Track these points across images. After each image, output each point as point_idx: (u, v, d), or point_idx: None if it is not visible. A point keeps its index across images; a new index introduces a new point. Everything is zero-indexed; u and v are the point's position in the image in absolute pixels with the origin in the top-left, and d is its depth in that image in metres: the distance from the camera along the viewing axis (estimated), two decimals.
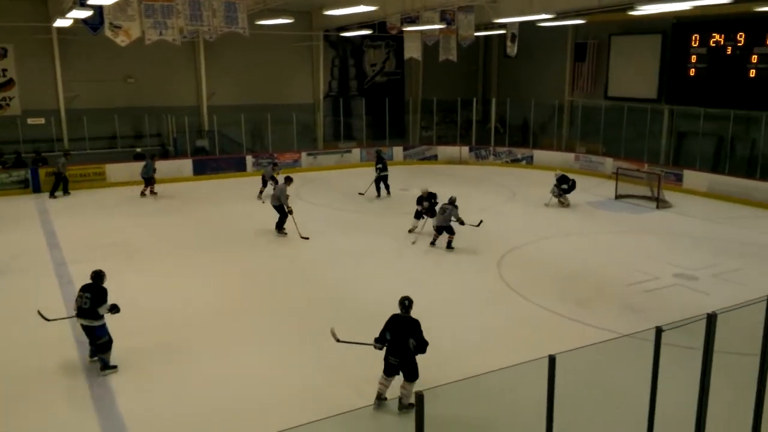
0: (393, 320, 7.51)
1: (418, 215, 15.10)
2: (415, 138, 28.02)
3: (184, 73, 23.60)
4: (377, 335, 7.50)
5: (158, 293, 11.21)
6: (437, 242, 14.18)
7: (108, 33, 15.10)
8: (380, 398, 7.31)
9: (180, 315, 10.27)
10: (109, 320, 8.32)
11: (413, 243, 14.44)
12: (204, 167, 22.28)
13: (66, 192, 19.50)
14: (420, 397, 4.19)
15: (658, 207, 18.01)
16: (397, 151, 25.80)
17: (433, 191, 15.12)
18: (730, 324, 5.84)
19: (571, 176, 18.42)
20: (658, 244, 14.65)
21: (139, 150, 21.94)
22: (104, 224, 16.09)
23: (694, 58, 21.06)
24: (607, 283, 11.81)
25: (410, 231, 15.11)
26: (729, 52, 20.03)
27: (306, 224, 16.32)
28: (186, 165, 22.03)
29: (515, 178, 22.07)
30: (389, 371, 7.33)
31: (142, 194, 19.27)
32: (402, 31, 21.12)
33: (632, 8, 14.90)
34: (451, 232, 13.97)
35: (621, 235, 15.43)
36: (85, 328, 8.26)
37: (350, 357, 8.05)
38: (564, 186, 17.93)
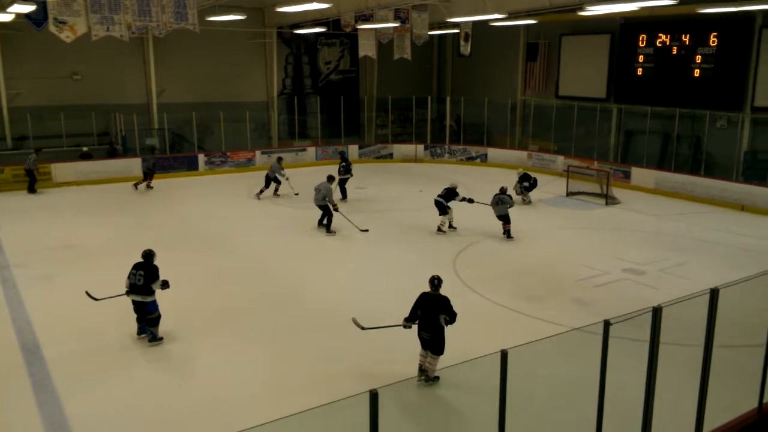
0: (423, 298, 7.98)
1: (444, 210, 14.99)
2: (371, 136, 28.01)
3: (132, 70, 23.01)
4: (407, 315, 7.97)
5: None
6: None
7: (52, 29, 14.62)
8: (421, 370, 7.92)
9: (129, 316, 9.99)
10: (54, 325, 8.06)
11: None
12: (154, 166, 21.75)
13: (32, 190, 19.04)
14: (374, 395, 4.17)
15: (607, 204, 18.44)
16: (353, 150, 25.72)
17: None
18: (676, 316, 6.01)
19: (523, 173, 18.71)
20: (607, 239, 15.00)
21: (85, 149, 21.34)
22: (51, 226, 15.58)
23: (641, 58, 21.64)
24: (558, 279, 12.04)
25: (440, 230, 15.04)
26: (674, 52, 20.65)
27: (262, 223, 16.17)
28: (135, 164, 21.47)
29: (470, 175, 22.25)
30: (424, 345, 7.88)
31: (135, 186, 19.65)
32: (356, 29, 21.08)
33: (581, 9, 15.21)
34: (507, 221, 14.63)
35: (572, 232, 15.74)
36: (136, 303, 8.90)
37: (304, 354, 7.98)
38: (526, 184, 18.22)
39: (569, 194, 19.25)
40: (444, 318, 7.76)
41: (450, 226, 15.22)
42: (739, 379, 7.13)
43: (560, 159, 22.99)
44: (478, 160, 25.33)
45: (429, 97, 27.41)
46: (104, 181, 20.45)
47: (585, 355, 5.64)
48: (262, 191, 18.62)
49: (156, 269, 8.92)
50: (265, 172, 18.93)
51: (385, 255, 13.63)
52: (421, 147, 26.28)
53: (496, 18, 17.62)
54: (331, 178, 15.62)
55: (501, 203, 14.73)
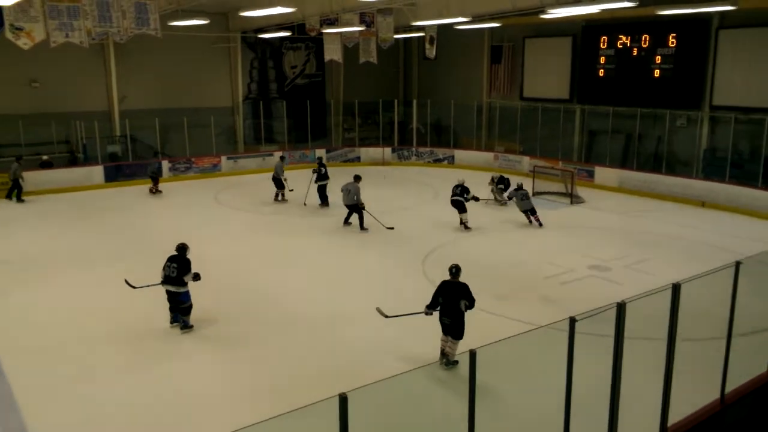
0: (443, 286, 8.45)
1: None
2: (338, 140, 27.97)
3: (93, 77, 22.56)
4: (428, 302, 8.46)
5: (58, 309, 10.68)
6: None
7: (9, 35, 14.30)
8: (443, 354, 8.34)
9: (79, 332, 9.78)
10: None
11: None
12: (116, 174, 21.39)
13: (19, 199, 18.75)
14: (344, 399, 4.15)
15: (572, 202, 18.72)
16: (320, 154, 25.62)
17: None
18: (640, 311, 6.11)
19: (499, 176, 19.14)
20: (573, 238, 15.21)
21: (45, 158, 20.87)
22: (4, 239, 15.17)
23: (603, 60, 22.02)
24: (525, 277, 12.16)
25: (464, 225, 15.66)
26: (635, 54, 21.06)
27: (228, 229, 16.03)
28: (97, 172, 21.11)
29: (438, 177, 22.38)
30: (445, 330, 8.31)
31: (151, 191, 19.89)
32: (321, 33, 21.05)
33: (544, 12, 15.45)
34: (534, 212, 16.00)
35: (538, 231, 15.91)
36: (170, 293, 9.45)
37: (276, 358, 7.90)
38: (501, 186, 18.42)
39: (535, 194, 19.45)
40: (464, 303, 8.20)
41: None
42: (702, 372, 7.28)
43: (526, 160, 23.25)
44: (446, 162, 25.47)
45: (396, 100, 27.51)
46: (65, 190, 20.03)
47: (553, 352, 5.70)
48: (278, 195, 18.74)
49: (188, 262, 9.47)
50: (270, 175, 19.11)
51: (355, 258, 13.60)
52: (388, 150, 26.33)
53: (460, 21, 17.80)
54: (358, 178, 15.77)
55: (526, 198, 16.13)
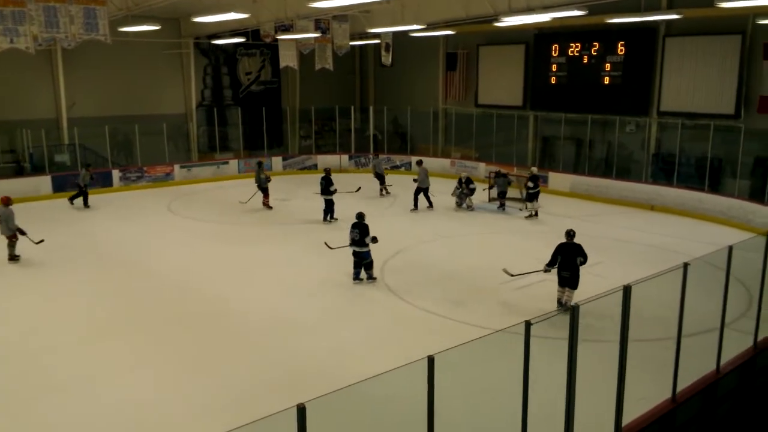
0: (562, 247, 10.59)
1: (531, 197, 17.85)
2: (294, 147, 27.78)
3: (40, 84, 21.88)
4: (548, 261, 10.63)
5: (17, 323, 10.30)
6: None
7: None
8: (560, 303, 10.34)
9: (38, 343, 9.47)
10: None
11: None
12: (65, 183, 20.75)
13: (86, 205, 19.05)
14: (302, 409, 4.10)
15: (526, 208, 18.97)
16: (276, 162, 25.47)
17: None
18: (593, 314, 6.24)
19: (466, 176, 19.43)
20: (527, 242, 15.41)
21: None
22: None
23: (554, 67, 22.47)
24: (482, 283, 12.26)
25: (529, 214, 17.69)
26: (585, 61, 21.55)
27: (182, 238, 15.77)
28: (44, 182, 20.46)
29: (395, 184, 22.43)
30: (562, 283, 10.45)
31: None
32: (277, 40, 20.89)
33: (497, 20, 15.67)
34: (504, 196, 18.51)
35: (494, 236, 16.10)
36: (356, 253, 12.07)
37: (225, 372, 7.76)
38: (472, 186, 18.69)
39: (491, 200, 19.69)
40: (580, 260, 10.34)
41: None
42: (654, 371, 7.44)
43: (482, 165, 23.52)
44: (403, 169, 25.55)
45: (352, 107, 27.50)
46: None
47: (509, 356, 5.75)
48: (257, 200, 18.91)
49: (367, 227, 11.95)
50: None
51: (312, 265, 13.49)
52: (345, 157, 26.29)
53: (415, 29, 17.91)
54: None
55: (505, 185, 18.50)
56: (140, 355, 9.16)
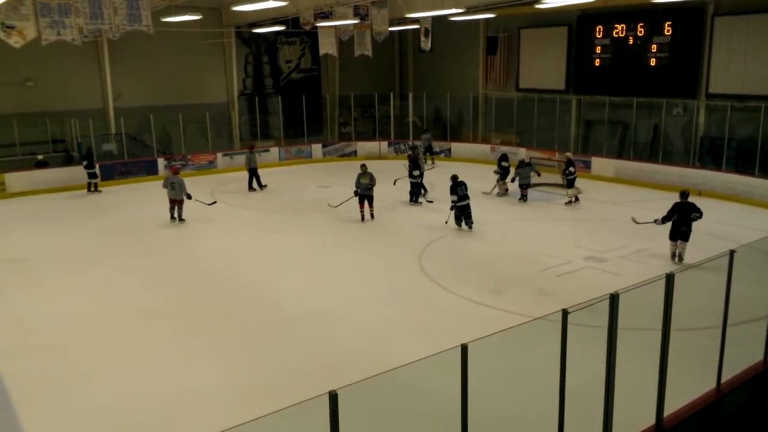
0: (678, 205, 12.21)
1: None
2: (334, 134, 27.90)
3: (87, 75, 22.49)
4: (664, 215, 12.31)
5: (58, 309, 10.66)
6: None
7: (0, 34, 14.17)
8: (674, 255, 12.25)
9: (82, 330, 9.76)
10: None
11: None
12: (112, 172, 21.31)
13: (260, 186, 20.08)
14: (334, 396, 4.11)
15: (567, 195, 18.62)
16: (316, 148, 25.63)
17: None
18: (635, 302, 6.09)
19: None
20: (569, 229, 15.17)
21: (40, 157, 20.80)
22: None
23: (598, 49, 21.94)
24: (522, 270, 12.12)
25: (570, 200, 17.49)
26: (630, 43, 20.99)
27: (225, 225, 16.03)
28: None
29: (434, 170, 22.30)
30: (676, 237, 12.23)
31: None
32: (316, 27, 20.91)
33: (539, 2, 15.35)
34: (527, 187, 17.92)
35: (534, 222, 15.88)
36: (466, 206, 14.30)
37: (260, 360, 7.87)
38: (504, 164, 18.55)
39: (532, 185, 19.38)
40: (695, 215, 11.96)
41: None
42: (698, 362, 7.25)
43: (522, 151, 23.15)
44: (442, 155, 25.38)
45: (391, 94, 27.42)
46: (60, 190, 19.94)
47: (548, 344, 5.66)
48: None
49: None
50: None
51: (353, 254, 13.55)
52: (384, 144, 26.26)
53: (454, 12, 17.71)
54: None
55: (527, 174, 17.82)
56: (175, 341, 9.34)
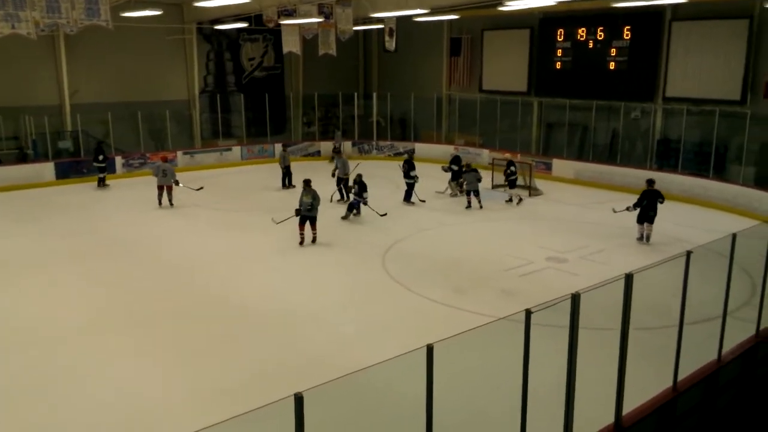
0: (646, 192, 13.80)
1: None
2: (297, 134, 27.68)
3: (43, 70, 21.80)
4: (635, 202, 13.90)
5: (17, 312, 10.34)
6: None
7: None
8: (641, 237, 13.95)
9: (46, 334, 9.49)
10: None
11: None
12: (68, 170, 20.77)
13: (290, 184, 19.90)
14: (299, 399, 4.08)
15: (530, 195, 18.90)
16: (279, 148, 25.34)
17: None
18: (595, 302, 6.19)
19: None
20: (531, 229, 15.38)
21: None
22: None
23: (559, 52, 22.27)
24: (485, 270, 12.23)
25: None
26: (591, 46, 21.36)
27: (189, 226, 15.78)
28: (48, 169, 20.48)
29: (398, 171, 22.33)
30: (644, 220, 13.82)
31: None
32: (279, 25, 20.73)
33: (501, 4, 15.52)
34: (477, 194, 17.31)
35: (497, 223, 16.05)
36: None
37: (225, 362, 7.77)
38: (453, 167, 18.49)
39: (494, 187, 19.61)
40: (660, 200, 13.70)
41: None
42: (655, 360, 7.41)
43: (485, 152, 23.40)
44: (406, 155, 25.40)
45: (356, 93, 27.38)
46: (14, 188, 19.35)
47: (511, 344, 5.72)
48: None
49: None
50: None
51: (315, 254, 13.48)
52: (348, 143, 26.19)
53: (419, 13, 17.77)
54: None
55: (476, 180, 17.24)
56: (139, 344, 9.16)
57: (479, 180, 17.29)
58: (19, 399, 7.65)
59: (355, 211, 16.05)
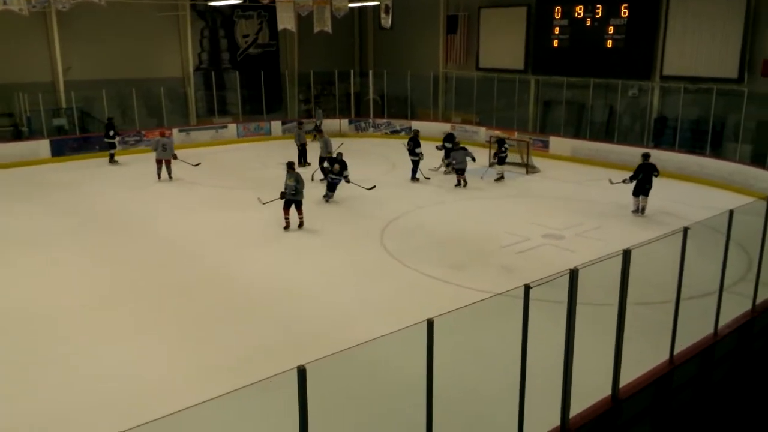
0: (642, 166, 14.19)
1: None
2: (294, 111, 27.51)
3: (36, 47, 21.54)
4: (630, 175, 14.39)
5: (16, 291, 10.34)
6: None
7: None
8: (637, 209, 14.41)
9: (46, 312, 9.51)
10: None
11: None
12: (63, 148, 20.66)
13: (306, 162, 19.85)
14: (302, 371, 4.12)
15: (527, 172, 18.93)
16: (276, 126, 25.31)
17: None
18: (593, 277, 6.24)
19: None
20: (528, 207, 15.42)
21: None
22: None
23: (557, 30, 22.13)
24: (482, 247, 12.28)
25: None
26: (588, 24, 21.22)
27: (181, 203, 15.75)
28: (43, 146, 20.36)
29: (395, 149, 22.31)
30: (640, 192, 14.28)
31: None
32: (274, 1, 20.53)
33: None
34: (463, 173, 17.16)
35: (494, 201, 16.08)
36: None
37: (227, 337, 7.82)
38: (448, 144, 18.32)
39: (491, 164, 19.58)
40: (655, 173, 14.08)
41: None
42: (653, 334, 7.49)
43: (482, 130, 23.36)
44: (403, 133, 25.38)
45: (352, 71, 27.19)
46: (10, 165, 19.25)
47: (509, 319, 5.77)
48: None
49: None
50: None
51: (312, 230, 13.49)
52: (345, 121, 26.10)
53: None
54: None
55: (463, 158, 17.01)
56: (141, 321, 9.21)
57: (473, 159, 17.20)
58: (20, 377, 7.68)
59: (330, 193, 15.54)
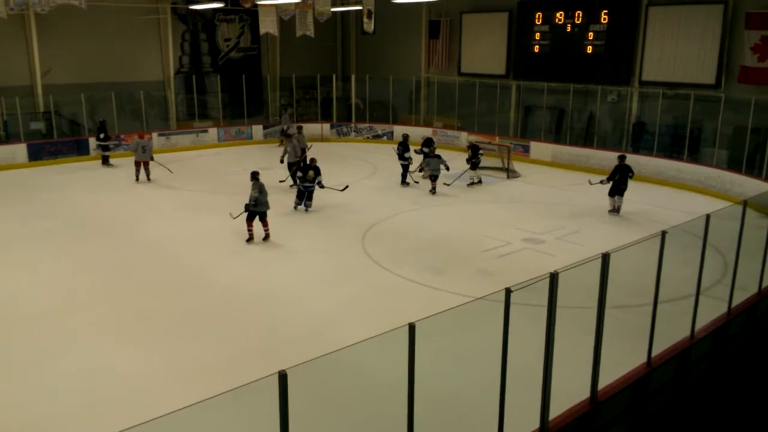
0: (618, 167, 14.68)
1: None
2: (275, 116, 27.43)
3: (13, 50, 21.23)
4: (607, 176, 14.94)
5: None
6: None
7: None
8: (613, 208, 14.89)
9: (23, 313, 9.39)
10: None
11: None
12: (41, 152, 20.41)
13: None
14: (283, 376, 4.10)
15: (508, 177, 19.05)
16: (257, 130, 25.21)
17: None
18: (572, 281, 6.30)
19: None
20: (509, 211, 15.52)
21: None
22: None
23: (537, 36, 22.31)
24: (463, 251, 12.34)
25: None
26: (568, 30, 21.43)
27: (165, 207, 15.64)
28: (20, 150, 20.09)
29: (376, 153, 22.34)
30: (616, 193, 14.76)
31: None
32: (256, 5, 20.48)
33: None
34: (435, 179, 17.12)
35: (475, 205, 16.16)
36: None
37: (213, 337, 7.76)
38: (425, 149, 18.33)
39: (466, 171, 19.63)
40: (630, 174, 14.54)
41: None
42: (631, 337, 7.57)
43: (464, 135, 23.47)
44: (385, 138, 25.44)
45: (334, 76, 27.18)
46: None
47: (490, 323, 5.80)
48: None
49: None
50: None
51: (294, 234, 13.46)
52: (327, 126, 26.08)
53: None
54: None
55: (437, 165, 17.01)
56: (119, 324, 9.13)
57: (447, 167, 16.93)
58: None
59: (308, 203, 15.13)
